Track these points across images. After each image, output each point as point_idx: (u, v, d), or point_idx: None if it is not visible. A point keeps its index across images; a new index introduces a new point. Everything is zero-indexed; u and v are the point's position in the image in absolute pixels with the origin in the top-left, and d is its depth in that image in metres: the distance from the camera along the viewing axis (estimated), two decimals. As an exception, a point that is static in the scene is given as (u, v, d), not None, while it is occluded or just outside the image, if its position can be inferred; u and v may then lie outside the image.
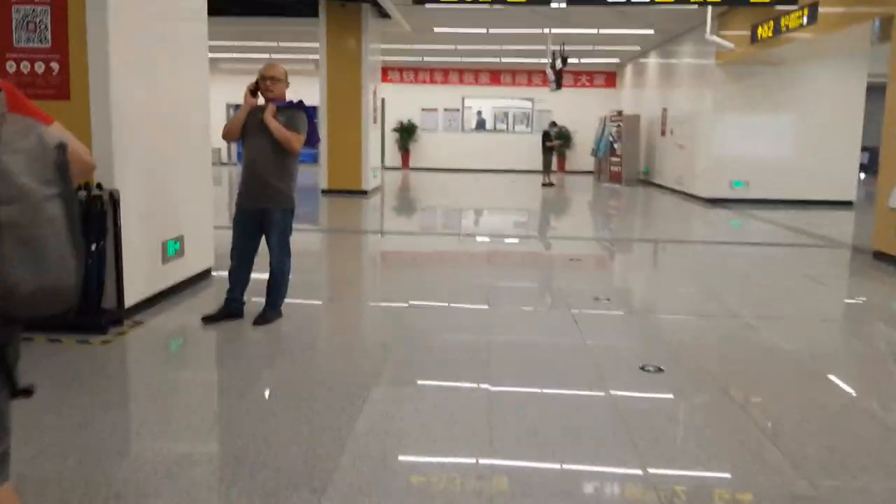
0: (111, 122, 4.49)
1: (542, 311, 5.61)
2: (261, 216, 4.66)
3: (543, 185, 17.08)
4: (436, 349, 4.47)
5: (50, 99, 4.41)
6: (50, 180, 1.59)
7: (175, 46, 5.36)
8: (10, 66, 4.44)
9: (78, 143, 1.81)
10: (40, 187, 1.59)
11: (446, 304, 5.64)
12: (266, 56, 17.80)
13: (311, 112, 4.78)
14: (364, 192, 13.33)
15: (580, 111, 21.70)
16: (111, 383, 3.79)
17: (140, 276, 4.84)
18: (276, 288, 4.78)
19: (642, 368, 3.98)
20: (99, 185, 4.45)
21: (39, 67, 4.43)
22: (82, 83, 4.43)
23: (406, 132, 22.33)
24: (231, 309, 4.77)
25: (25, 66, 4.43)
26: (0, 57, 4.45)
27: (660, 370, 3.96)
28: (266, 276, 4.78)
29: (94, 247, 4.41)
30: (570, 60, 15.96)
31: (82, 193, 4.37)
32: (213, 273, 6.01)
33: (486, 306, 5.50)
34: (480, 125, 23.06)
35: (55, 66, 4.42)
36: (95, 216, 4.41)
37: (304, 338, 4.70)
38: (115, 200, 4.50)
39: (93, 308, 4.45)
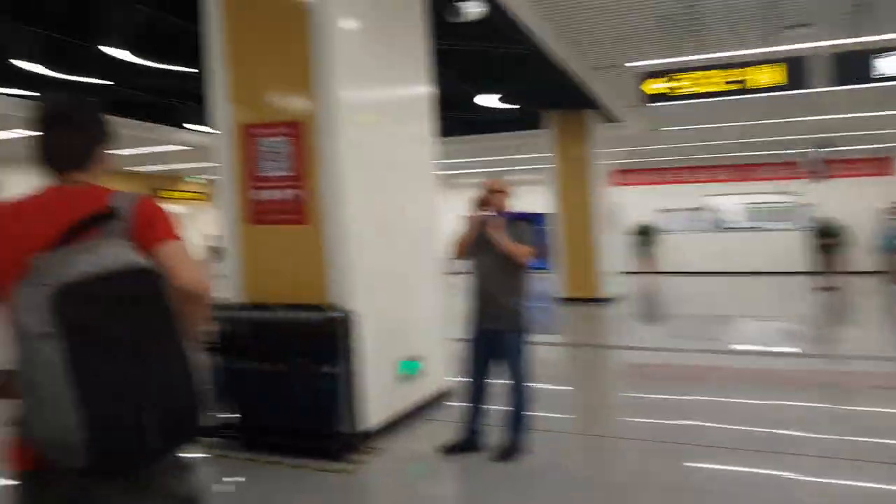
0: (345, 244, 4.53)
1: (860, 464, 4.17)
2: (494, 338, 4.30)
3: (820, 289, 14.58)
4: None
5: (291, 224, 4.59)
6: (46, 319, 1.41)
7: (404, 168, 5.40)
8: (256, 194, 4.70)
9: (190, 267, 1.65)
10: (38, 325, 1.41)
11: (722, 439, 4.62)
12: (496, 168, 18.33)
13: (539, 221, 4.43)
14: (603, 300, 12.59)
15: (848, 203, 18.98)
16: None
17: (377, 399, 4.66)
18: (517, 419, 4.31)
19: None
20: (334, 307, 4.42)
21: (281, 194, 4.62)
22: (318, 208, 4.54)
23: (644, 235, 21.32)
24: (469, 440, 4.40)
25: (269, 194, 4.66)
26: (248, 185, 4.74)
27: None
28: (504, 396, 4.34)
29: (329, 369, 4.33)
30: (831, 148, 14.09)
31: (319, 315, 4.35)
32: (452, 393, 5.68)
33: (776, 446, 4.44)
34: (726, 224, 21.28)
35: (295, 192, 4.59)
36: (330, 338, 4.34)
37: (550, 481, 4.07)
38: (350, 321, 4.43)
39: (329, 434, 4.34)
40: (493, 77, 9.65)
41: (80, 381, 1.41)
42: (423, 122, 5.72)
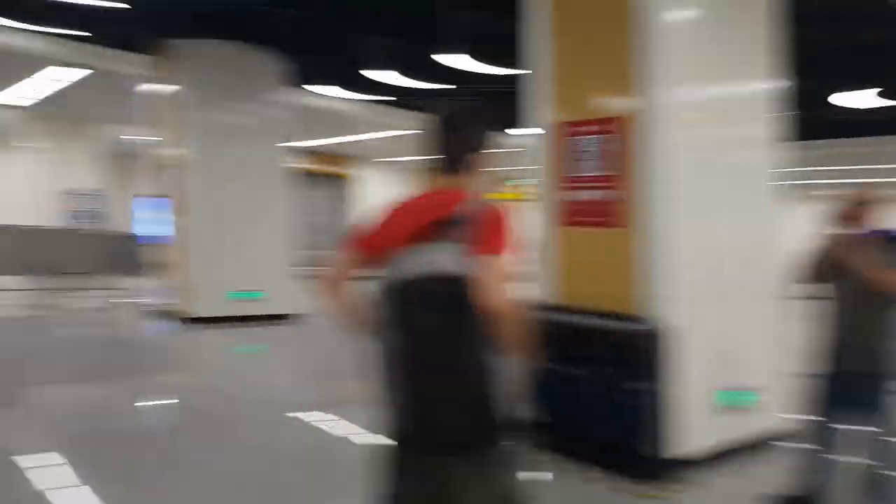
0: (663, 253, 4.19)
1: None
2: (851, 379, 3.55)
3: None
4: None
5: (603, 227, 4.41)
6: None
7: (738, 173, 4.79)
8: (569, 195, 4.60)
9: (495, 286, 1.74)
10: (381, 311, 1.76)
11: None
12: (861, 178, 15.95)
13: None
14: None
15: None
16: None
17: (692, 427, 4.19)
18: (874, 480, 3.51)
19: None
20: (647, 320, 4.11)
21: (595, 195, 4.45)
22: (635, 211, 4.28)
23: None
24: (807, 494, 3.69)
25: (582, 194, 4.53)
26: (561, 185, 4.67)
27: None
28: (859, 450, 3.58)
29: (635, 385, 4.06)
30: None
31: (627, 325, 4.10)
32: (788, 435, 4.84)
33: None
34: None
35: (609, 193, 4.37)
36: (639, 352, 4.06)
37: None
38: (663, 336, 4.06)
39: (633, 453, 4.07)
40: (864, 71, 8.24)
41: (399, 368, 1.71)
42: (765, 123, 5.01)
